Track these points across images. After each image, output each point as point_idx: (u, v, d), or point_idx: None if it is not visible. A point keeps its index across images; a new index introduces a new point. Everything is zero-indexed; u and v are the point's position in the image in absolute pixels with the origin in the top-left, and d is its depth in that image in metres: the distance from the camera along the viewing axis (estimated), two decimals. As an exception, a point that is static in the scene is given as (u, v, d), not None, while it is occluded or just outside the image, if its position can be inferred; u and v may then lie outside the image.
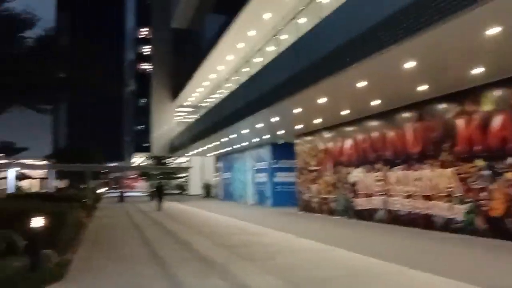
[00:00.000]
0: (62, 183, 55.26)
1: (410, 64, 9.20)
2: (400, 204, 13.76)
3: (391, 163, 14.24)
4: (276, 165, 25.01)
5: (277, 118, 16.97)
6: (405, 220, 13.44)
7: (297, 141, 21.36)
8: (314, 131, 19.40)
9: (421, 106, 12.76)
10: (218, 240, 11.29)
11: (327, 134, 18.45)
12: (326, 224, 15.46)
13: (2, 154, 38.47)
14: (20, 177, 55.15)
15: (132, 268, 7.75)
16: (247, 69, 22.76)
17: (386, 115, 14.45)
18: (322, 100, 13.02)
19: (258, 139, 24.54)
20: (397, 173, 13.94)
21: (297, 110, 14.93)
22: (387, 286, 6.34)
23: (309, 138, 20.12)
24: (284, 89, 13.43)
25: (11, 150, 42.62)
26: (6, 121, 28.71)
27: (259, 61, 20.29)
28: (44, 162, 53.43)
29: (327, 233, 13.12)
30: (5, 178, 39.76)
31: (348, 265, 7.76)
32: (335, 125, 17.52)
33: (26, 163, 51.04)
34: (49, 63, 20.60)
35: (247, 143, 26.67)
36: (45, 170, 53.76)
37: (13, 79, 19.44)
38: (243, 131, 21.36)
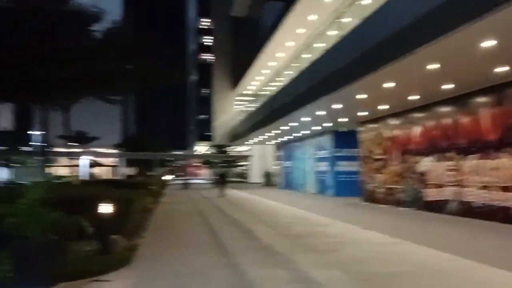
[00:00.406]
0: (131, 170, 58.23)
1: (489, 43, 8.34)
2: (474, 196, 12.74)
3: (464, 152, 13.20)
4: (338, 154, 24.34)
5: (339, 105, 16.38)
6: (480, 213, 12.44)
7: (360, 128, 20.57)
8: (379, 118, 18.53)
9: (499, 89, 11.64)
10: (280, 230, 11.15)
11: (393, 121, 17.54)
12: (393, 215, 14.76)
13: (76, 143, 41.09)
14: (93, 164, 58.91)
15: (195, 256, 7.82)
16: (308, 55, 22.23)
17: (459, 99, 13.38)
18: (389, 85, 12.30)
19: (319, 127, 24.01)
20: (471, 162, 12.89)
21: (361, 96, 14.26)
22: (459, 283, 5.81)
23: (374, 125, 19.28)
24: (347, 74, 12.86)
25: (84, 139, 45.45)
26: (79, 112, 30.58)
27: (320, 46, 19.70)
28: (114, 151, 56.53)
29: (393, 225, 12.49)
30: (78, 165, 42.52)
31: (417, 260, 7.25)
32: (403, 111, 16.57)
33: (98, 151, 54.35)
34: (116, 55, 21.47)
35: (307, 131, 26.22)
36: (115, 158, 56.94)
37: (83, 72, 20.53)
38: (304, 119, 20.95)
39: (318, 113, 18.61)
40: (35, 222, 5.26)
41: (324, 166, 25.77)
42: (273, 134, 29.82)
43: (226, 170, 55.87)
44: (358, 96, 14.29)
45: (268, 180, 42.88)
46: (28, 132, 57.97)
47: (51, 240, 5.29)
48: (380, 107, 16.33)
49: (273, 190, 33.05)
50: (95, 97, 24.56)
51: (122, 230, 8.68)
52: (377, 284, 5.81)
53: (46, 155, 23.83)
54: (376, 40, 11.10)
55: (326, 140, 25.28)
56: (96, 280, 5.96)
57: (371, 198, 19.37)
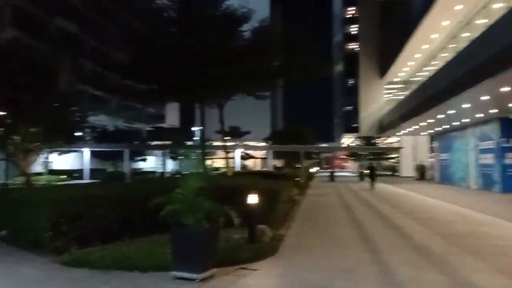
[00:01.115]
0: (279, 162, 60.51)
1: None
2: None
3: None
4: (507, 144, 21.10)
5: (509, 88, 14.08)
6: None
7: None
8: None
9: None
10: (435, 228, 10.10)
11: None
12: None
13: (230, 137, 44.54)
14: (245, 157, 63.02)
15: (342, 250, 7.58)
16: (467, 34, 19.66)
17: None
18: None
19: (482, 114, 21.13)
20: None
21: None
22: None
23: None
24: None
25: (237, 134, 48.96)
26: (232, 109, 32.88)
27: (482, 22, 17.19)
28: (264, 144, 59.48)
29: None
30: (232, 158, 45.90)
31: None
32: None
33: (249, 144, 57.90)
34: (266, 53, 22.38)
35: (468, 119, 23.33)
36: (265, 151, 59.85)
37: (236, 72, 21.96)
38: (464, 106, 18.65)
39: (482, 98, 16.35)
40: (191, 211, 5.69)
41: (489, 159, 22.65)
42: (427, 124, 27.35)
43: (375, 162, 53.75)
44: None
45: (422, 174, 39.68)
46: (191, 128, 65.14)
47: (205, 228, 5.65)
48: None
49: (427, 185, 30.42)
50: (246, 94, 26.07)
51: (269, 220, 8.93)
52: None
53: (205, 149, 26.23)
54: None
55: (492, 129, 22.14)
56: (244, 268, 6.20)
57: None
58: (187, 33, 21.41)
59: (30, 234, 7.68)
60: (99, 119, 51.94)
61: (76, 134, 22.91)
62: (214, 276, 5.73)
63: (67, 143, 21.20)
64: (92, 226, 7.48)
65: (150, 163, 55.91)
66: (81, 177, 39.38)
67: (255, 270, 6.17)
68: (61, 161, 43.05)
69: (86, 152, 41.93)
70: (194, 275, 5.50)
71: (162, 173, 41.40)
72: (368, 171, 27.56)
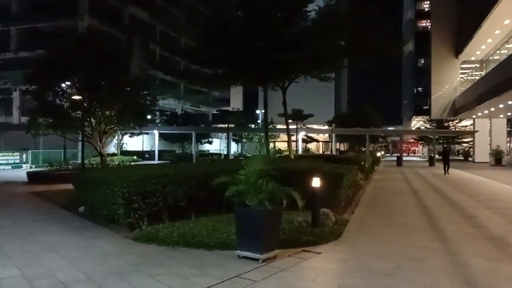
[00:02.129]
0: (342, 146, 59.33)
1: None
2: None
3: None
4: None
5: None
6: None
7: None
8: None
9: None
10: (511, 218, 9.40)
11: None
12: None
13: (293, 120, 44.27)
14: (308, 140, 62.47)
15: (409, 238, 7.31)
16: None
17: None
18: None
19: None
20: None
21: None
22: None
23: None
24: None
25: (300, 117, 48.42)
26: (296, 91, 32.62)
27: None
28: (327, 127, 58.50)
29: None
30: (295, 141, 45.72)
31: None
32: None
33: (312, 127, 57.21)
34: (331, 33, 21.76)
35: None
36: (328, 134, 58.87)
37: (299, 53, 21.63)
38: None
39: None
40: (253, 192, 5.77)
41: None
42: (506, 106, 25.32)
43: (448, 147, 50.92)
44: None
45: (498, 159, 36.94)
46: (255, 111, 65.73)
47: (267, 209, 5.72)
48: None
49: (505, 171, 28.26)
50: (310, 76, 25.67)
51: (332, 204, 8.83)
52: None
53: (267, 131, 26.35)
54: None
55: None
56: (307, 251, 6.20)
57: None
58: (252, 16, 21.40)
59: (105, 210, 8.26)
60: (168, 103, 54.19)
61: (146, 117, 24.00)
62: (277, 257, 5.80)
63: (139, 125, 22.31)
64: (162, 204, 7.88)
65: (215, 145, 57.49)
66: (151, 158, 41.45)
67: (318, 253, 6.15)
68: (133, 142, 45.62)
69: (156, 134, 43.95)
70: (257, 255, 5.61)
71: (227, 155, 42.38)
72: (442, 155, 26.40)
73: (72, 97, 18.28)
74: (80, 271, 5.37)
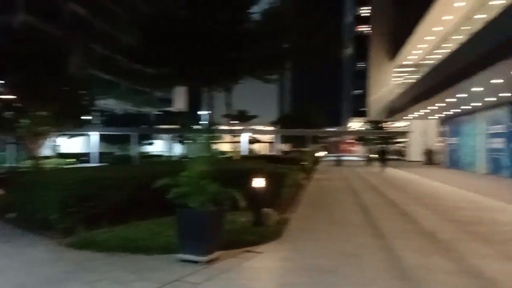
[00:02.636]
0: (286, 147, 60.40)
1: None
2: None
3: None
4: (518, 129, 20.81)
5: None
6: None
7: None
8: None
9: None
10: (443, 214, 10.05)
11: None
12: None
13: (238, 121, 44.39)
14: (252, 141, 62.87)
15: (346, 235, 7.56)
16: (483, 15, 19.23)
17: None
18: None
19: (494, 98, 20.80)
20: None
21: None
22: None
23: None
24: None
25: (244, 118, 48.67)
26: (240, 92, 32.75)
27: (498, 3, 16.78)
28: (271, 128, 59.34)
29: None
30: (239, 142, 45.90)
31: None
32: None
33: (256, 128, 57.74)
34: (274, 35, 22.06)
35: (479, 103, 23.00)
36: (272, 135, 59.73)
37: (243, 54, 21.75)
38: (475, 89, 18.35)
39: (494, 81, 16.06)
40: (195, 193, 5.69)
41: (499, 143, 22.38)
42: (437, 108, 27.07)
43: (385, 146, 53.51)
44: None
45: (430, 158, 39.44)
46: (199, 112, 65.12)
47: (210, 210, 5.67)
48: None
49: (436, 169, 30.22)
50: (254, 77, 25.86)
51: (274, 203, 8.94)
52: None
53: (211, 133, 26.21)
54: None
55: (503, 113, 21.81)
56: (250, 251, 6.23)
57: None
58: (196, 15, 21.20)
59: (38, 215, 7.77)
60: (108, 103, 52.16)
61: (85, 117, 22.95)
62: (219, 259, 5.76)
63: (76, 126, 21.31)
64: (100, 208, 7.55)
65: (157, 147, 56.18)
66: (89, 161, 39.71)
67: (260, 253, 6.20)
68: (70, 144, 43.42)
69: (95, 135, 42.18)
70: (199, 258, 5.54)
71: (169, 156, 41.61)
72: (379, 155, 28.33)
73: (2, 97, 17.11)
74: (10, 282, 5.01)
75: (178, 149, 56.51)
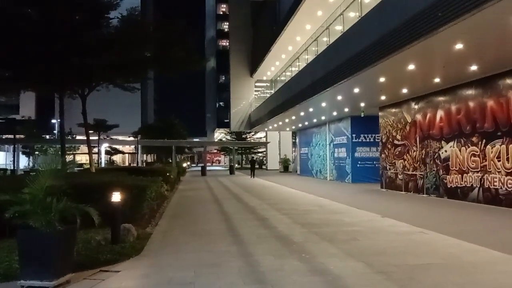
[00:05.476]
0: (150, 158, 58.61)
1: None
2: (500, 183, 12.21)
3: (490, 136, 12.63)
4: (357, 140, 23.83)
5: (358, 89, 15.89)
6: (507, 201, 11.92)
7: (380, 113, 20.02)
8: (400, 102, 17.98)
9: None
10: (296, 218, 10.88)
11: (415, 105, 16.95)
12: (414, 203, 14.32)
13: (96, 131, 41.47)
14: (112, 152, 59.43)
15: (209, 245, 7.62)
16: (326, 38, 21.64)
17: (485, 82, 12.77)
18: (411, 67, 11.78)
19: (336, 113, 23.49)
20: (497, 147, 12.33)
21: (382, 79, 13.77)
22: (495, 277, 5.44)
23: (394, 110, 18.72)
24: (367, 56, 12.37)
25: (103, 127, 45.67)
26: (99, 100, 30.76)
27: (339, 29, 19.08)
28: (132, 138, 57.01)
29: (415, 213, 12.09)
30: (97, 153, 43.00)
31: (442, 252, 6.88)
32: (425, 95, 16.00)
33: (117, 139, 54.80)
34: (135, 43, 21.27)
35: (325, 117, 25.71)
36: (134, 145, 57.39)
37: (98, 59, 20.50)
38: (322, 104, 20.49)
39: (337, 97, 18.14)
40: (41, 212, 5.10)
41: (342, 152, 25.31)
42: (291, 120, 29.43)
43: (256, 156, 56.73)
44: (379, 79, 13.81)
45: (286, 167, 42.62)
46: (50, 121, 59.11)
47: (57, 230, 5.12)
48: (401, 91, 15.79)
49: (291, 177, 32.75)
50: (113, 85, 24.52)
51: (135, 218, 8.57)
52: (398, 277, 5.50)
53: (64, 143, 24.00)
54: (398, 19, 10.57)
55: (345, 126, 24.76)
56: (106, 271, 5.82)
57: (391, 184, 18.92)
58: (47, 14, 19.25)
59: None
60: None
61: None
62: (71, 282, 5.25)
63: None
64: None
65: (-1, 159, 49.20)
66: None
67: (117, 271, 5.83)
68: None
69: None
70: (45, 283, 4.95)
71: (14, 170, 36.72)
72: (250, 164, 33.06)
73: None
74: None
75: (24, 162, 50.34)
